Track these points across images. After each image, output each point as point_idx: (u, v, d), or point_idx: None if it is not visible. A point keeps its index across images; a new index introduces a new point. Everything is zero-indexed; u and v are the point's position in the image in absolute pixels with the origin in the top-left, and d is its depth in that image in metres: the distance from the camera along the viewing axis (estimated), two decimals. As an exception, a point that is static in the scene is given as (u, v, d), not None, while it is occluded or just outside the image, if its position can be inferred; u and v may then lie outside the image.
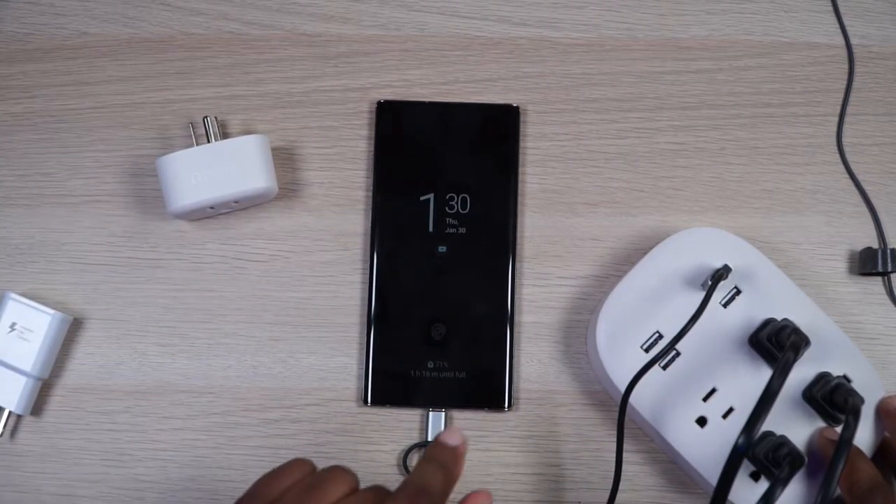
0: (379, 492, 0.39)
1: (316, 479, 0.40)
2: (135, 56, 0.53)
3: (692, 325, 0.45)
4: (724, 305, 0.47)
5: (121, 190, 0.51)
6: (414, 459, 0.49)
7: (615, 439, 0.49)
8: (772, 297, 0.47)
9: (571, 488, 0.49)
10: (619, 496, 0.47)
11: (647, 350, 0.46)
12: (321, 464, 0.49)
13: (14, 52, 0.53)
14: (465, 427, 0.50)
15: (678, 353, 0.46)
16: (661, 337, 0.47)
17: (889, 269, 0.50)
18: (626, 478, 0.48)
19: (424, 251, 0.50)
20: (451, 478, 0.40)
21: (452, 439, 0.41)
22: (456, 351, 0.49)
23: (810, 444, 0.45)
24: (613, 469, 0.47)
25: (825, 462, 0.44)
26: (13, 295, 0.49)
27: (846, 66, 0.53)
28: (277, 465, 0.49)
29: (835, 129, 0.52)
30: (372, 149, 0.52)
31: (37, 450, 0.49)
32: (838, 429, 0.45)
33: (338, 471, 0.40)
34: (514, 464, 0.49)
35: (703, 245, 0.48)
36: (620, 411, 0.45)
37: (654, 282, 0.47)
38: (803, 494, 0.45)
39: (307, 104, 0.52)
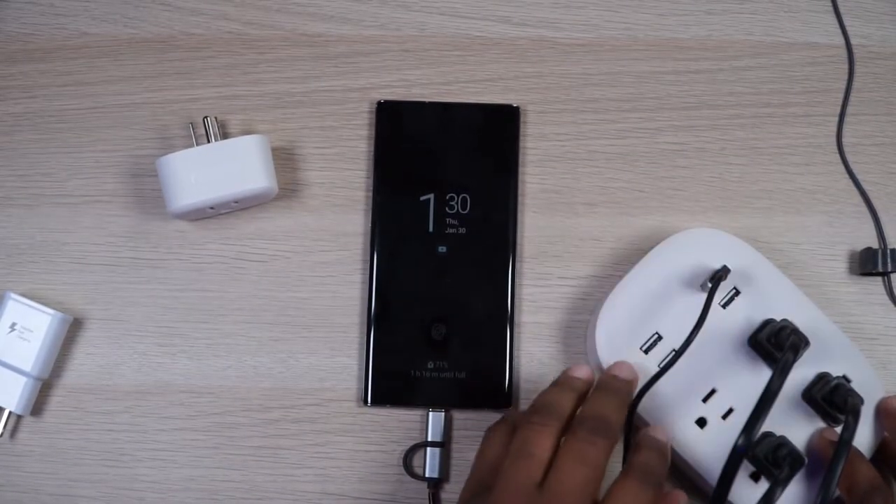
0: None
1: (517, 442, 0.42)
2: (135, 56, 0.53)
3: (697, 332, 0.44)
4: (724, 306, 0.47)
5: (121, 190, 0.51)
6: (414, 460, 0.49)
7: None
8: (771, 297, 0.47)
9: (571, 488, 0.49)
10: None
11: (646, 351, 0.46)
12: (321, 464, 0.49)
13: (14, 52, 0.53)
14: (465, 427, 0.50)
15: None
16: (660, 338, 0.47)
17: (889, 269, 0.50)
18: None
19: (424, 251, 0.50)
20: (624, 407, 0.43)
21: (624, 373, 0.44)
22: (456, 351, 0.49)
23: (810, 445, 0.45)
24: (613, 469, 0.47)
25: (825, 463, 0.44)
26: (13, 295, 0.49)
27: (846, 66, 0.53)
28: (277, 465, 0.49)
29: (835, 129, 0.52)
30: (372, 149, 0.52)
31: (37, 450, 0.49)
32: (838, 429, 0.45)
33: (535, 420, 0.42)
34: (514, 464, 0.49)
35: (702, 246, 0.47)
36: (628, 421, 0.45)
37: (653, 283, 0.47)
38: (803, 495, 0.45)
39: (307, 104, 0.52)
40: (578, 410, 0.43)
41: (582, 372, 0.45)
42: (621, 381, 0.44)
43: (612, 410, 0.43)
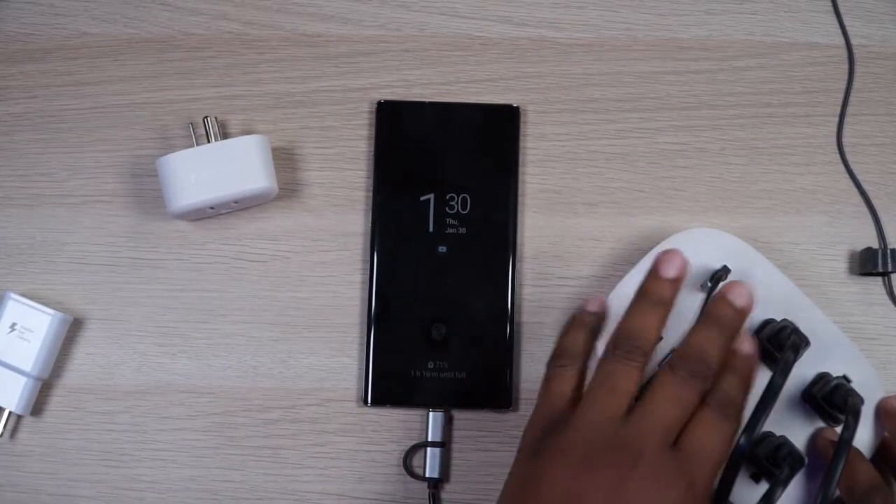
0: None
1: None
2: (135, 56, 0.53)
3: None
4: (724, 306, 0.47)
5: (121, 190, 0.51)
6: (414, 460, 0.49)
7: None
8: (771, 297, 0.47)
9: (571, 488, 0.49)
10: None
11: (646, 352, 0.46)
12: (321, 464, 0.49)
13: (14, 52, 0.53)
14: (466, 427, 0.50)
15: (678, 354, 0.46)
16: (660, 338, 0.46)
17: (889, 269, 0.50)
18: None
19: (424, 251, 0.50)
20: (730, 343, 0.41)
21: (741, 299, 0.42)
22: (456, 351, 0.49)
23: (810, 445, 0.45)
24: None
25: (825, 463, 0.44)
26: (13, 295, 0.49)
27: (846, 66, 0.53)
28: (277, 465, 0.49)
29: (835, 129, 0.52)
30: (372, 149, 0.52)
31: (37, 450, 0.49)
32: (838, 429, 0.45)
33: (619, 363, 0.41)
34: (515, 464, 0.49)
35: (702, 246, 0.47)
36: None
37: (652, 283, 0.47)
38: (803, 495, 0.45)
39: (307, 104, 0.52)
40: (682, 342, 0.42)
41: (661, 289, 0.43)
42: (733, 312, 0.42)
43: (717, 349, 0.41)
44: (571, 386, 0.42)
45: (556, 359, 0.44)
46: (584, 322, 0.45)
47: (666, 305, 0.43)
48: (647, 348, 0.41)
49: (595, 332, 0.44)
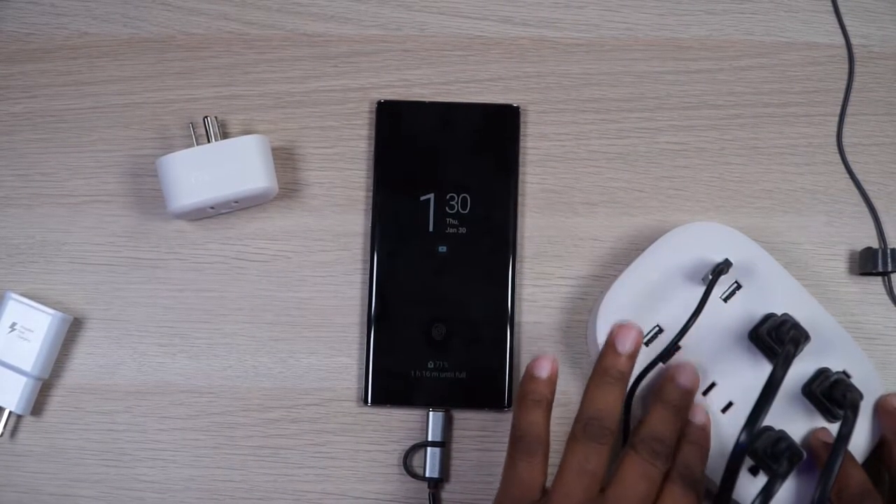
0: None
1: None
2: (135, 56, 0.53)
3: (694, 320, 0.45)
4: (725, 300, 0.47)
5: (121, 190, 0.51)
6: (414, 460, 0.49)
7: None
8: (772, 291, 0.47)
9: (572, 488, 0.49)
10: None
11: (647, 344, 0.46)
12: (321, 464, 0.49)
13: (14, 52, 0.53)
14: (466, 427, 0.50)
15: (678, 347, 0.46)
16: (661, 331, 0.47)
17: (889, 269, 0.50)
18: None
19: (424, 251, 0.50)
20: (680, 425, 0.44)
21: (687, 380, 0.45)
22: (456, 351, 0.49)
23: (806, 444, 0.45)
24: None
25: (819, 462, 0.44)
26: (13, 295, 0.49)
27: (846, 66, 0.53)
28: (277, 465, 0.49)
29: (835, 129, 0.52)
30: (372, 149, 0.52)
31: (37, 450, 0.49)
32: (835, 426, 0.45)
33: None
34: (515, 464, 0.49)
35: (704, 239, 0.48)
36: (626, 407, 0.45)
37: (654, 276, 0.47)
38: (801, 491, 0.45)
39: (307, 104, 0.52)
40: (641, 424, 0.44)
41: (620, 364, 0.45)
42: (681, 393, 0.45)
43: (672, 430, 0.44)
44: (540, 471, 0.43)
45: (519, 443, 0.44)
46: (538, 400, 0.45)
47: (625, 379, 0.45)
48: (614, 427, 0.43)
49: (550, 405, 0.45)
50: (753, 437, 0.40)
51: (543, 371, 0.45)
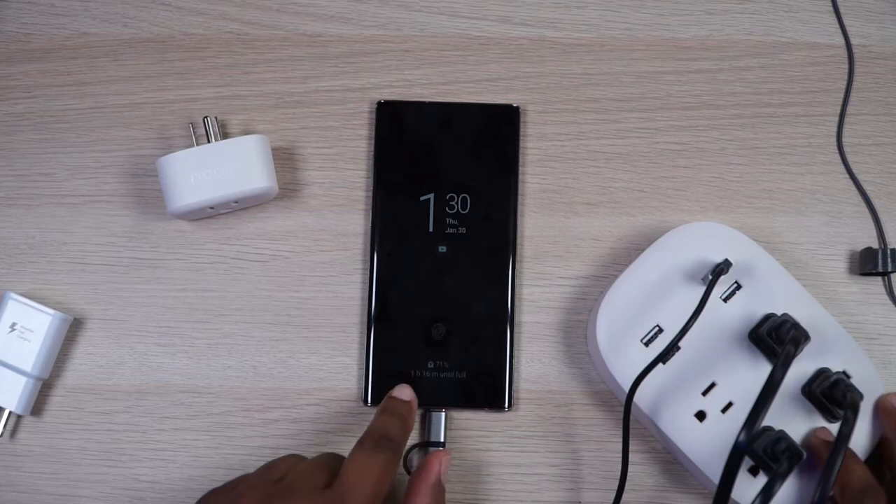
0: (334, 455, 0.44)
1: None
2: (135, 56, 0.53)
3: (694, 320, 0.45)
4: (725, 300, 0.47)
5: (121, 190, 0.51)
6: (414, 460, 0.49)
7: (616, 438, 0.49)
8: (772, 292, 0.47)
9: (572, 488, 0.49)
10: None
11: (647, 344, 0.46)
12: (321, 464, 0.49)
13: (14, 52, 0.53)
14: (465, 427, 0.50)
15: (678, 348, 0.46)
16: (661, 331, 0.47)
17: (889, 269, 0.50)
18: (627, 478, 0.48)
19: (424, 251, 0.50)
20: (407, 427, 0.45)
21: (404, 395, 0.47)
22: (456, 351, 0.49)
23: (806, 444, 0.45)
24: (613, 468, 0.47)
25: (819, 461, 0.44)
26: (13, 295, 0.49)
27: (846, 66, 0.53)
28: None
29: (835, 129, 0.52)
30: (372, 149, 0.52)
31: (37, 450, 0.49)
32: (835, 426, 0.45)
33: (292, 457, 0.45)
34: (514, 464, 0.49)
35: (704, 239, 0.48)
36: (626, 409, 0.45)
37: (654, 276, 0.47)
38: (801, 491, 0.45)
39: (307, 104, 0.52)
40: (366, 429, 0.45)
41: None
42: (402, 403, 0.46)
43: (396, 429, 0.44)
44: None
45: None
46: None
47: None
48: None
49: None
50: (753, 437, 0.40)
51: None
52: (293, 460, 0.44)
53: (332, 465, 0.43)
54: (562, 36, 0.53)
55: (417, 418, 0.50)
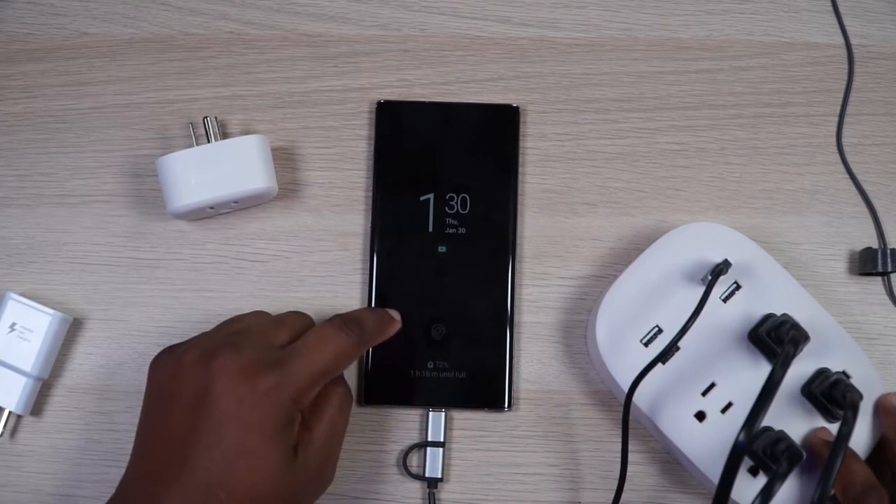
0: (303, 318, 0.45)
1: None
2: (135, 56, 0.53)
3: (693, 321, 0.45)
4: (724, 300, 0.47)
5: (121, 190, 0.51)
6: (414, 460, 0.49)
7: (615, 438, 0.49)
8: (771, 292, 0.47)
9: (571, 488, 0.49)
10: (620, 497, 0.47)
11: (646, 344, 0.46)
12: (321, 464, 0.49)
13: (14, 52, 0.53)
14: (465, 427, 0.50)
15: (677, 348, 0.46)
16: (660, 331, 0.47)
17: (889, 269, 0.50)
18: (626, 478, 0.48)
19: (424, 251, 0.50)
20: (382, 330, 0.47)
21: (395, 314, 0.48)
22: (456, 351, 0.49)
23: (806, 444, 0.45)
24: (613, 468, 0.47)
25: (819, 461, 0.44)
26: (13, 295, 0.49)
27: (846, 66, 0.53)
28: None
29: (835, 129, 0.52)
30: (372, 149, 0.52)
31: (37, 450, 0.49)
32: (835, 426, 0.45)
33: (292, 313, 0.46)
34: (514, 464, 0.49)
35: (703, 239, 0.48)
36: (625, 409, 0.45)
37: (654, 276, 0.47)
38: (800, 491, 0.45)
39: (307, 104, 0.52)
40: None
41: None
42: (385, 314, 0.47)
43: (371, 323, 0.45)
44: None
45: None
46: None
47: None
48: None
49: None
50: (752, 438, 0.40)
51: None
52: (260, 315, 0.45)
53: (295, 327, 0.43)
54: (562, 36, 0.53)
55: (417, 418, 0.50)
